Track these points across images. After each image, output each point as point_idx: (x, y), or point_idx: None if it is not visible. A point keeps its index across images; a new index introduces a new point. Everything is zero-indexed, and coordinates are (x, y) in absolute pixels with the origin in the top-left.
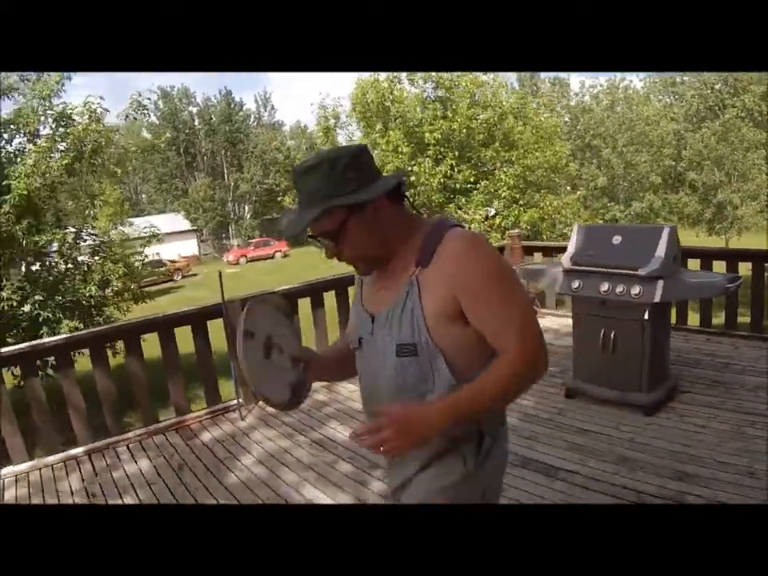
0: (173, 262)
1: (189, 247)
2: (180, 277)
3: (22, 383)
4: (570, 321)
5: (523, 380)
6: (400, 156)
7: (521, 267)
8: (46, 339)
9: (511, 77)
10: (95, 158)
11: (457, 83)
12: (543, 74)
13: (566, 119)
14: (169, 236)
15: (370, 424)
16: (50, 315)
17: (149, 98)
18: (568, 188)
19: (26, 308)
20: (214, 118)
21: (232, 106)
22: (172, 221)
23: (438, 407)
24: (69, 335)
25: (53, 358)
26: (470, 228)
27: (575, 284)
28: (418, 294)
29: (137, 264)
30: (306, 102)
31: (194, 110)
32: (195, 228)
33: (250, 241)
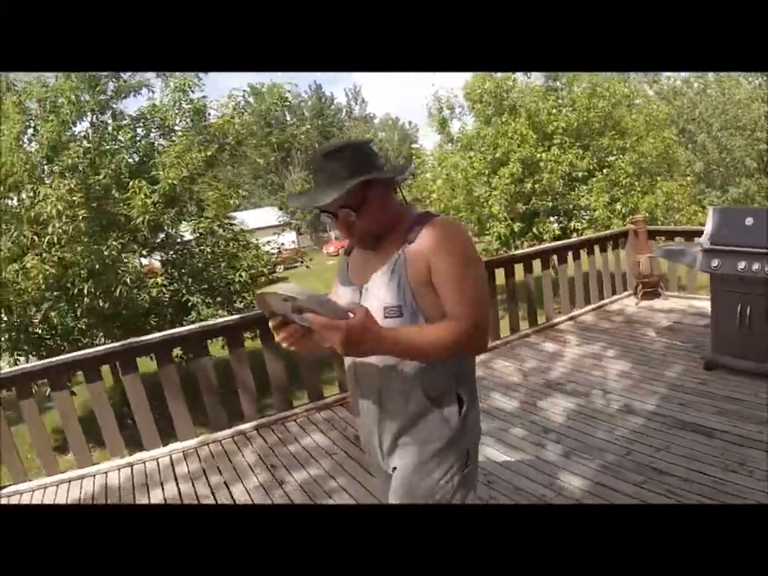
0: (279, 253)
1: (287, 240)
2: (283, 269)
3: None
4: (694, 302)
5: (459, 345)
6: (526, 144)
7: (662, 247)
8: (217, 320)
9: None
10: (238, 150)
11: (576, 75)
12: None
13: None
14: (268, 229)
15: (331, 322)
16: (199, 300)
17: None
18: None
19: (167, 294)
20: (306, 114)
21: (323, 100)
22: (269, 214)
23: (386, 336)
24: (240, 316)
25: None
26: (593, 214)
27: (714, 263)
28: (404, 265)
29: (272, 252)
30: (394, 94)
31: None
32: (294, 221)
33: None
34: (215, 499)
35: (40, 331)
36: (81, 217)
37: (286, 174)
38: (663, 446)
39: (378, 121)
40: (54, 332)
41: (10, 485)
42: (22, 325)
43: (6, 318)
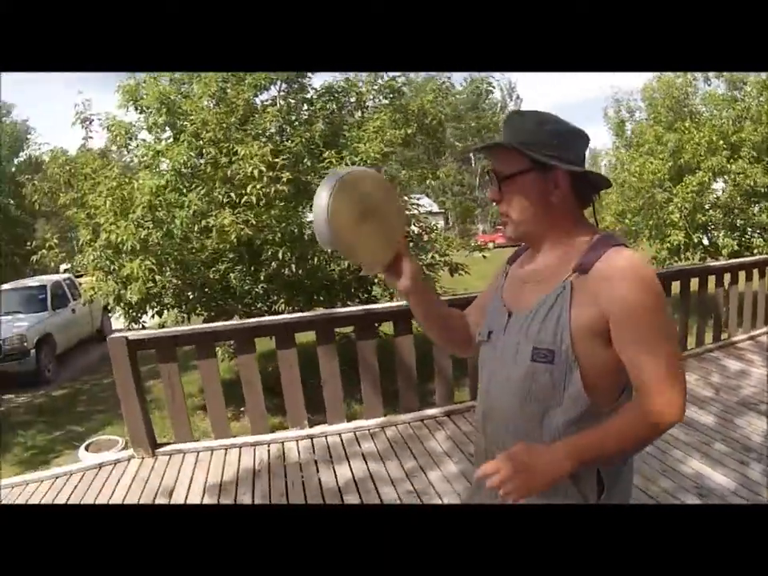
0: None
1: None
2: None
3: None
4: None
5: (656, 429)
6: (716, 154)
7: None
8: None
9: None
10: (438, 131)
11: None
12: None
13: None
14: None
15: (488, 465)
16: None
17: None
18: None
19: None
20: (461, 106)
21: (478, 94)
22: (418, 203)
23: (565, 449)
24: (449, 298)
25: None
26: None
27: None
28: (569, 300)
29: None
30: (542, 92)
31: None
32: (443, 211)
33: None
34: (411, 483)
35: (210, 290)
36: (285, 179)
37: (438, 164)
38: None
39: None
40: (226, 293)
41: (172, 442)
42: (196, 282)
43: (179, 274)
